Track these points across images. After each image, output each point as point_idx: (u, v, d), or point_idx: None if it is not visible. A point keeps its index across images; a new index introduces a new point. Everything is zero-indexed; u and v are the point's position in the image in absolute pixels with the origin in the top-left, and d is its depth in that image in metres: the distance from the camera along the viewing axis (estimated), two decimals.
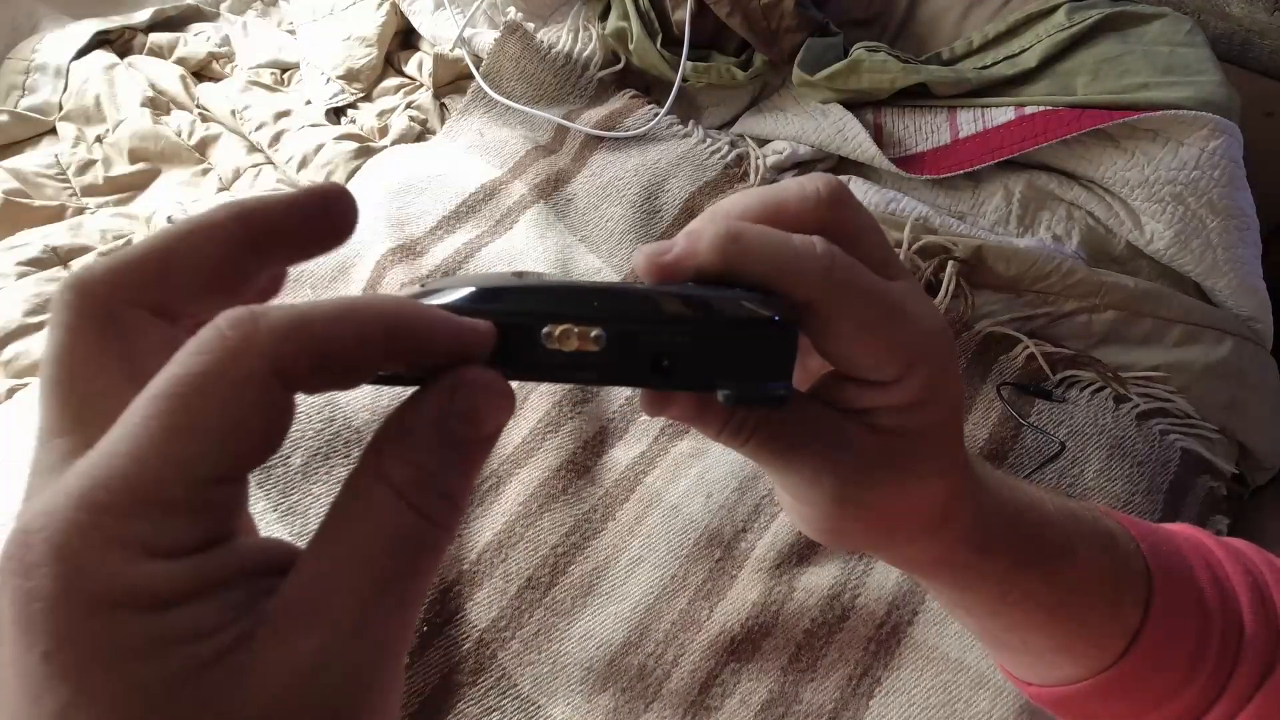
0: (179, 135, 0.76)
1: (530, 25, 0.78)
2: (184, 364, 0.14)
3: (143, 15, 0.85)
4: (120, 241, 0.66)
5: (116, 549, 0.13)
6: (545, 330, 0.19)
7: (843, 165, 0.75)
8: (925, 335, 0.23)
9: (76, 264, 0.64)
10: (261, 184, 0.74)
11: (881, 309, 0.22)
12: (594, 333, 0.19)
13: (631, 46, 0.76)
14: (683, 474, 0.55)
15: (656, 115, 0.73)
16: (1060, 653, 0.31)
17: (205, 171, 0.75)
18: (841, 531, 0.25)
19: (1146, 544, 0.31)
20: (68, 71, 0.79)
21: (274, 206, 0.17)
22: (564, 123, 0.74)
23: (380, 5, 0.83)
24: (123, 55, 0.82)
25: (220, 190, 0.74)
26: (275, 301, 0.18)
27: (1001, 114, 0.70)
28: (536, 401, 0.58)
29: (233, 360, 0.14)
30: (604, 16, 0.79)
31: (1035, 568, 0.29)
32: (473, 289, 0.18)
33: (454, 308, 0.18)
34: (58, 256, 0.65)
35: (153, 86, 0.79)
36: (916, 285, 0.24)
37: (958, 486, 0.26)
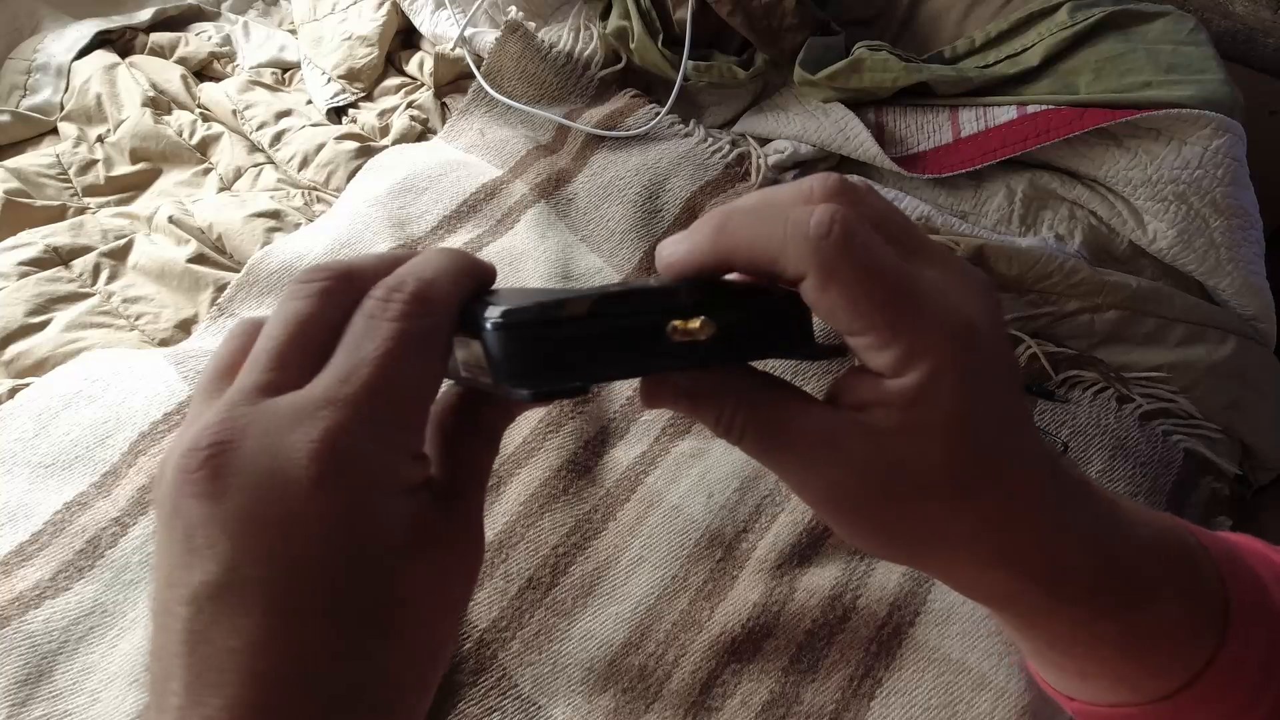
0: (180, 135, 0.76)
1: (531, 24, 0.78)
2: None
3: (144, 15, 0.85)
4: (122, 241, 0.66)
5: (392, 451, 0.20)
6: (671, 325, 0.21)
7: (844, 165, 0.75)
8: (940, 327, 0.21)
9: (78, 264, 0.64)
10: (262, 183, 0.74)
11: (881, 289, 0.21)
12: (700, 322, 0.21)
13: (633, 46, 0.76)
14: (684, 474, 0.55)
15: (658, 114, 0.73)
16: (1122, 684, 0.28)
17: (206, 171, 0.75)
18: (862, 538, 0.24)
19: (1226, 565, 0.28)
20: (69, 71, 0.79)
21: None
22: (565, 122, 0.74)
23: (381, 5, 0.83)
24: (124, 55, 0.82)
25: (221, 190, 0.74)
26: None
27: (1003, 113, 0.70)
28: None
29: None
30: (605, 16, 0.79)
31: (1111, 615, 0.26)
32: (592, 295, 0.21)
33: (577, 311, 0.20)
34: (59, 256, 0.65)
35: (154, 86, 0.79)
36: (960, 277, 0.23)
37: (996, 515, 0.23)
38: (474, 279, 0.22)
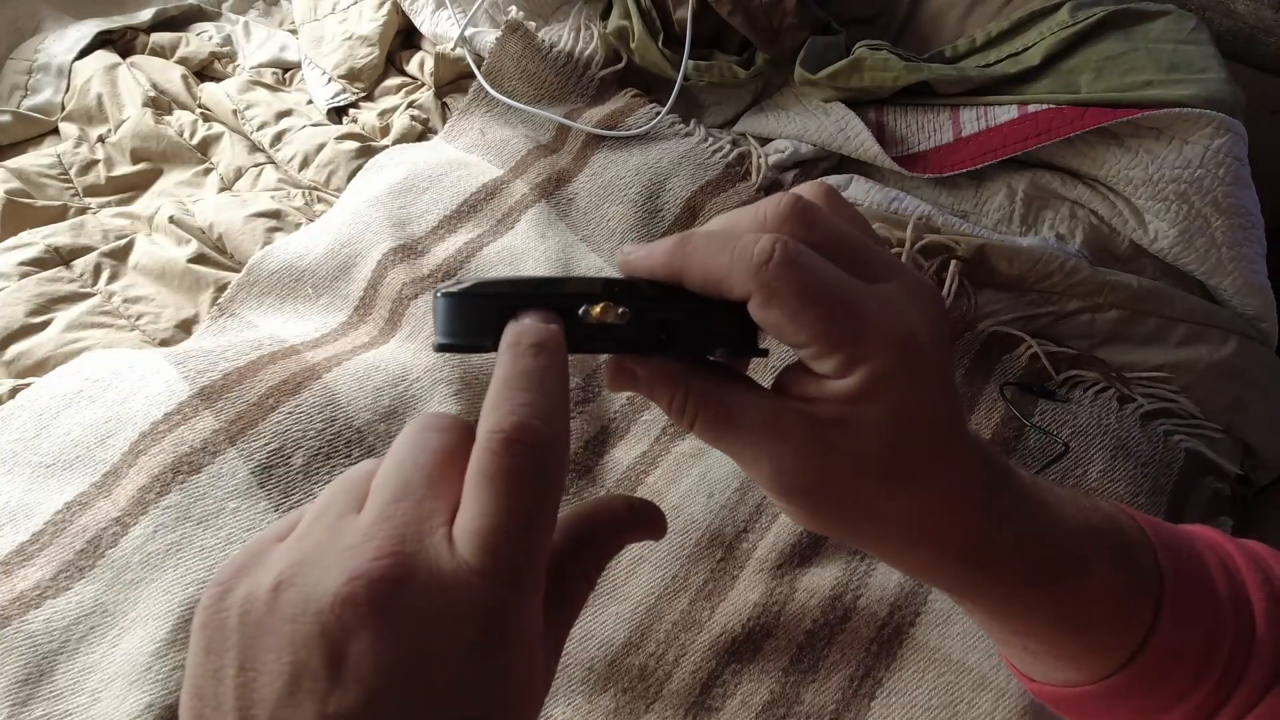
0: (181, 135, 0.76)
1: (531, 24, 0.78)
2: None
3: (145, 15, 0.85)
4: (122, 241, 0.67)
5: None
6: (583, 309, 0.24)
7: (845, 164, 0.75)
8: (880, 336, 0.23)
9: (78, 264, 0.64)
10: (263, 183, 0.74)
11: (821, 305, 0.23)
12: (620, 309, 0.24)
13: (633, 45, 0.76)
14: (684, 474, 0.55)
15: (658, 114, 0.73)
16: (1063, 659, 0.31)
17: (207, 171, 0.75)
18: (803, 518, 0.26)
19: (1164, 549, 0.30)
20: (70, 71, 0.79)
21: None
22: (565, 122, 0.74)
23: (381, 5, 0.83)
24: (125, 55, 0.82)
25: (222, 190, 0.74)
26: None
27: (1004, 112, 0.70)
28: None
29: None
30: (605, 15, 0.79)
31: (1043, 586, 0.28)
32: (526, 277, 0.24)
33: (509, 291, 0.24)
34: (60, 256, 0.65)
35: (155, 86, 0.79)
36: (906, 288, 0.25)
37: (929, 503, 0.25)
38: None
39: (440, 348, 0.24)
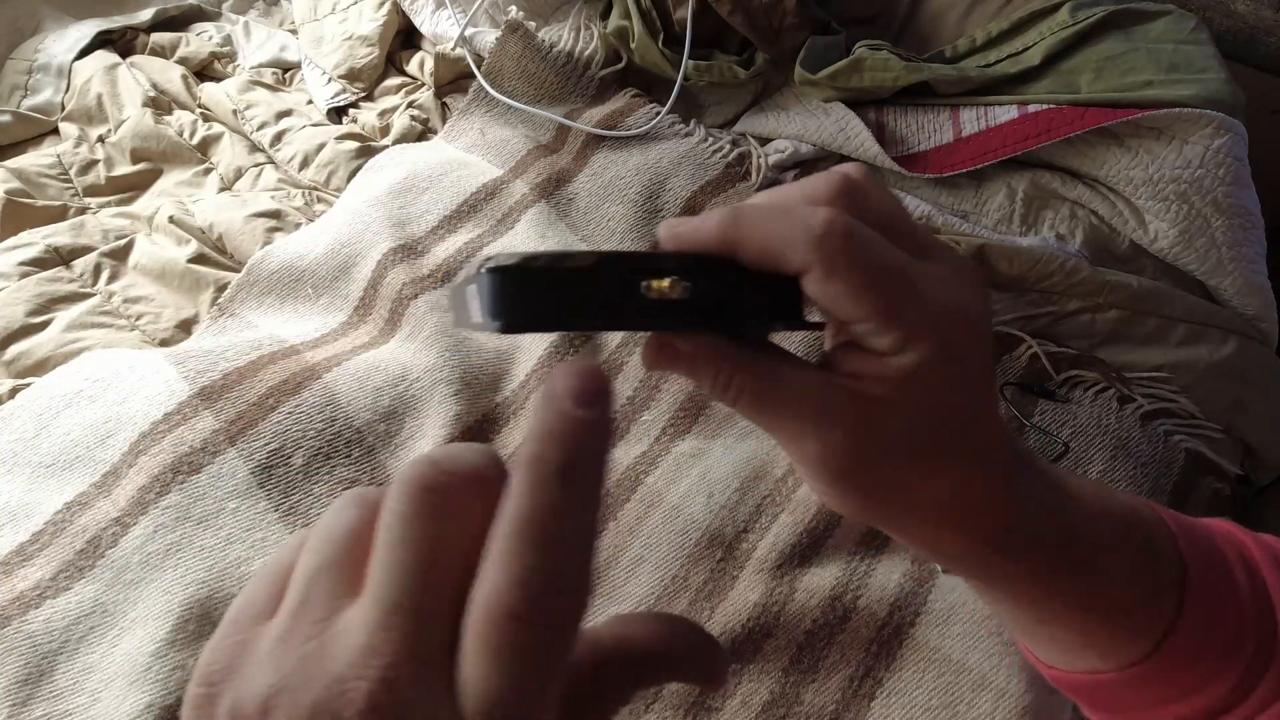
0: (181, 135, 0.76)
1: (531, 24, 0.78)
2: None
3: (145, 15, 0.85)
4: (122, 241, 0.66)
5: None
6: (645, 284, 0.22)
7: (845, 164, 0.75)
8: (937, 313, 0.23)
9: (78, 264, 0.64)
10: (263, 183, 0.74)
11: (882, 280, 0.23)
12: (684, 284, 0.23)
13: (633, 45, 0.76)
14: (684, 474, 0.55)
15: (658, 114, 0.73)
16: (1090, 647, 0.30)
17: (207, 171, 0.75)
18: (837, 497, 0.26)
19: (1184, 539, 0.30)
20: (70, 71, 0.79)
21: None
22: (565, 122, 0.74)
23: (381, 5, 0.83)
24: (125, 55, 0.82)
25: (221, 190, 0.74)
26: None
27: (1004, 112, 0.70)
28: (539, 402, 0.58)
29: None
30: (605, 15, 0.79)
31: (1068, 571, 0.28)
32: (583, 252, 0.22)
33: (568, 263, 0.22)
34: (60, 256, 0.65)
35: (155, 86, 0.79)
36: (955, 270, 0.25)
37: (966, 484, 0.25)
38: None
39: (503, 328, 0.22)
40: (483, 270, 0.22)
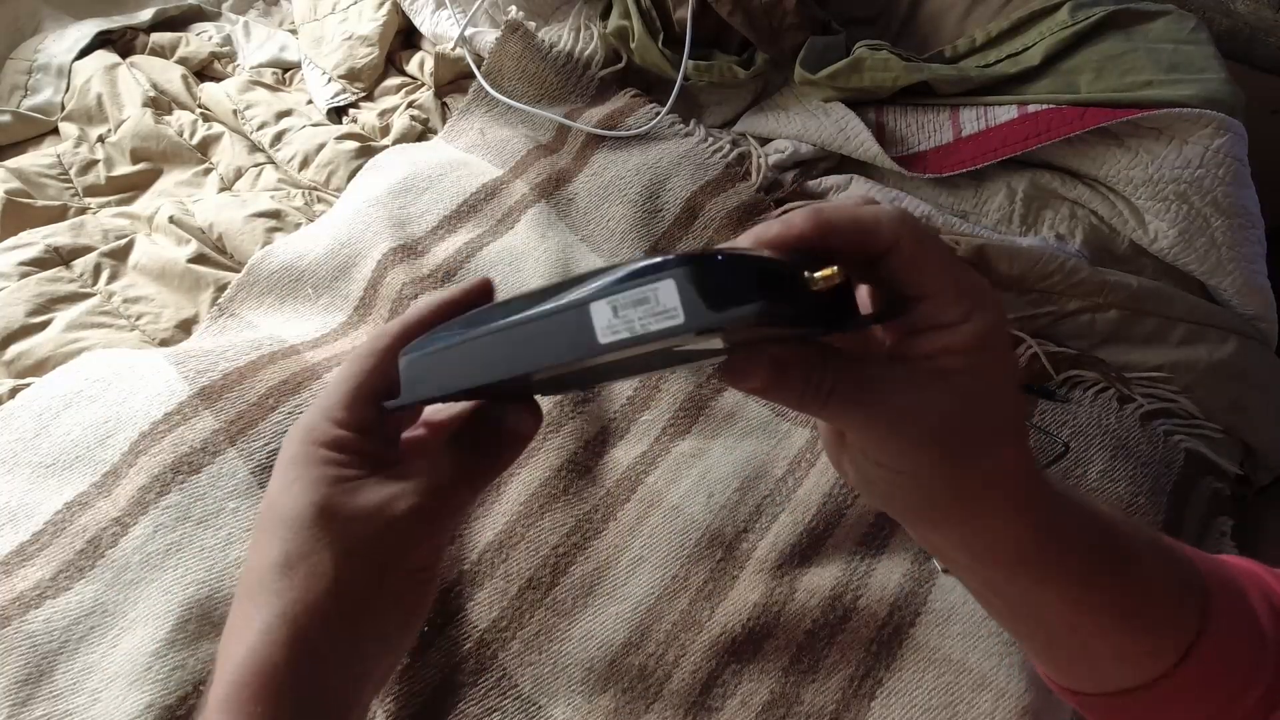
0: (181, 135, 0.76)
1: (531, 24, 0.78)
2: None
3: (145, 15, 0.85)
4: (122, 241, 0.66)
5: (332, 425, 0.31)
6: (807, 274, 0.23)
7: (845, 164, 0.75)
8: (986, 289, 0.26)
9: (78, 264, 0.64)
10: (263, 183, 0.74)
11: (950, 255, 0.26)
12: (837, 275, 0.23)
13: (633, 45, 0.76)
14: (684, 474, 0.55)
15: (658, 114, 0.73)
16: (1119, 660, 0.31)
17: (207, 171, 0.75)
18: (931, 489, 0.27)
19: (1199, 560, 0.31)
20: (70, 71, 0.79)
21: None
22: (565, 122, 0.74)
23: (381, 5, 0.83)
24: (125, 55, 0.82)
25: (221, 190, 0.74)
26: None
27: (1004, 112, 0.70)
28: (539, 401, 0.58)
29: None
30: (605, 15, 0.79)
31: (1107, 568, 0.29)
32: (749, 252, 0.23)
33: (753, 260, 0.22)
34: (60, 256, 0.65)
35: (154, 86, 0.79)
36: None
37: (1029, 461, 0.27)
38: (439, 306, 0.31)
39: (707, 329, 0.20)
40: (706, 258, 0.21)
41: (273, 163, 0.76)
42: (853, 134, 0.71)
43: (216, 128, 0.77)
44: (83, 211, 0.70)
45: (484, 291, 0.31)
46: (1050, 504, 0.28)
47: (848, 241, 0.25)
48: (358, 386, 0.31)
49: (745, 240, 0.26)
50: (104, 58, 0.80)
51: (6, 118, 0.76)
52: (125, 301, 0.63)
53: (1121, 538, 0.30)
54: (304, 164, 0.74)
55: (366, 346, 0.31)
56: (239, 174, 0.75)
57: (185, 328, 0.62)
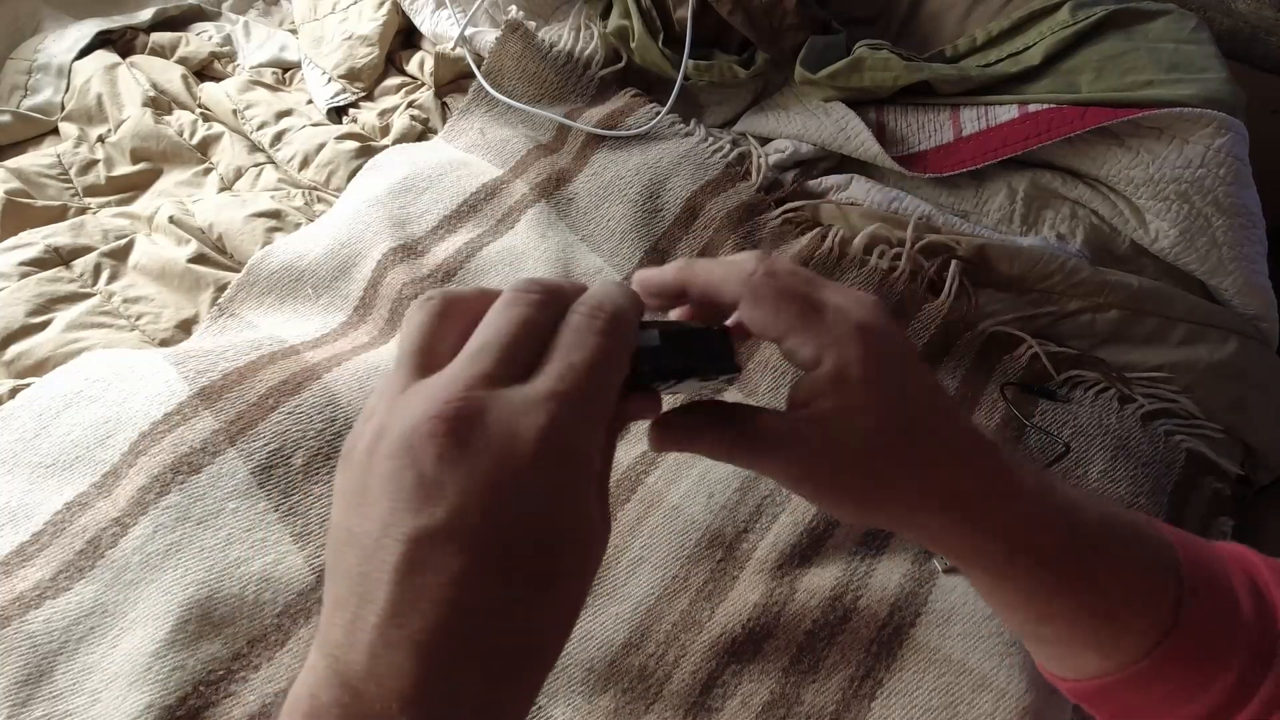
0: (181, 135, 0.76)
1: (531, 24, 0.78)
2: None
3: (145, 15, 0.85)
4: (122, 241, 0.66)
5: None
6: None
7: (845, 164, 0.75)
8: (843, 327, 0.28)
9: (78, 264, 0.64)
10: (263, 183, 0.74)
11: (793, 303, 0.28)
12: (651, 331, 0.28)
13: (633, 45, 0.76)
14: (684, 474, 0.55)
15: (658, 114, 0.73)
16: (1092, 648, 0.32)
17: (207, 171, 0.75)
18: (833, 507, 0.30)
19: (1185, 550, 0.32)
20: (70, 71, 0.79)
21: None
22: (565, 121, 0.74)
23: (381, 5, 0.83)
24: (125, 55, 0.82)
25: (221, 190, 0.74)
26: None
27: (1005, 112, 0.70)
28: None
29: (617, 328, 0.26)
30: (605, 15, 0.79)
31: (1067, 565, 0.30)
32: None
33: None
34: (60, 256, 0.65)
35: (154, 86, 0.79)
36: (856, 298, 0.30)
37: (935, 459, 0.29)
38: (641, 309, 0.29)
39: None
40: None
41: (273, 163, 0.75)
42: (853, 134, 0.71)
43: (216, 128, 0.77)
44: (83, 211, 0.70)
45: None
46: (1000, 508, 0.30)
47: (703, 295, 0.30)
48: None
49: (635, 283, 0.30)
50: (104, 58, 0.80)
51: (6, 118, 0.76)
52: (125, 301, 0.63)
53: (1090, 533, 0.31)
54: (304, 164, 0.74)
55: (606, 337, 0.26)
56: (239, 174, 0.75)
57: (185, 328, 0.62)
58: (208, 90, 0.80)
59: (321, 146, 0.74)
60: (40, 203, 0.69)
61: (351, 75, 0.80)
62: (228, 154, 0.75)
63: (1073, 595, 0.31)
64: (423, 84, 0.81)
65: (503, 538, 0.22)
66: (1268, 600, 0.31)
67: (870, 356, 0.28)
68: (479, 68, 0.77)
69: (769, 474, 0.30)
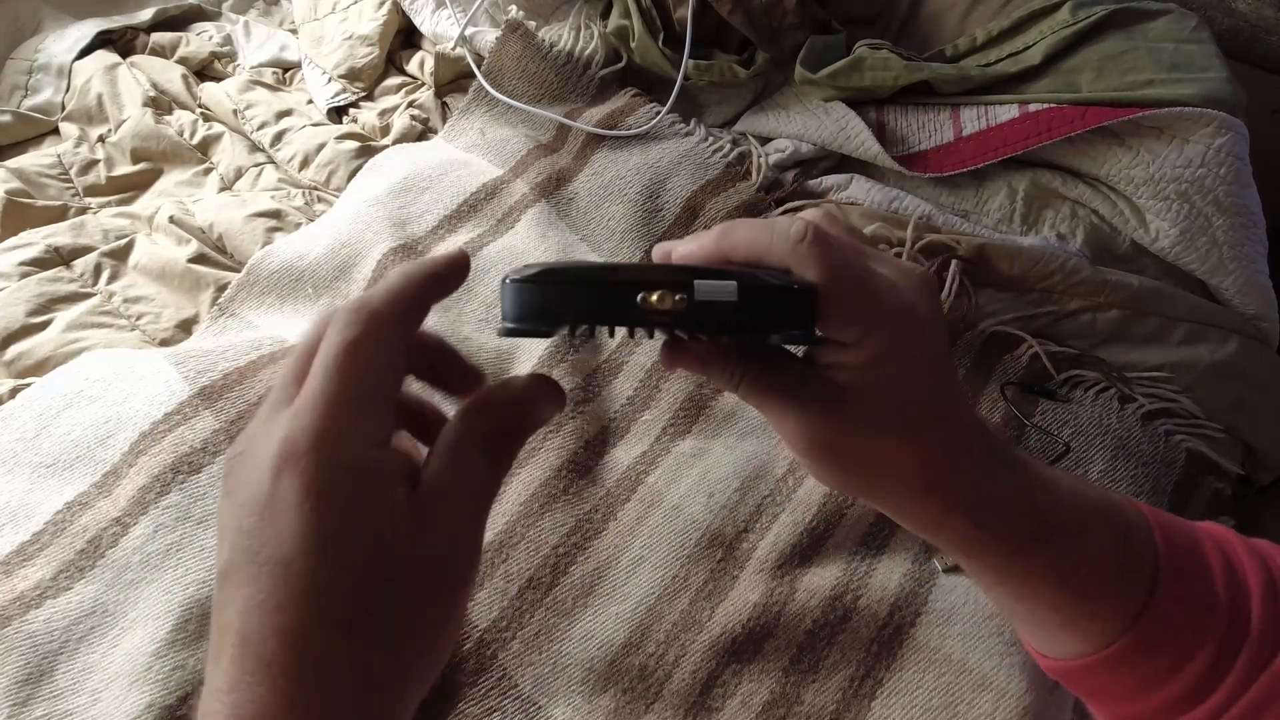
0: (181, 135, 0.76)
1: (532, 24, 0.78)
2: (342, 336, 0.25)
3: (145, 15, 0.85)
4: (123, 241, 0.67)
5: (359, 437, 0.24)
6: (640, 296, 0.25)
7: (845, 164, 0.75)
8: (889, 308, 0.27)
9: (79, 264, 0.64)
10: (263, 183, 0.74)
11: (846, 279, 0.27)
12: (678, 296, 0.25)
13: (633, 45, 0.76)
14: (684, 474, 0.55)
15: (658, 114, 0.73)
16: (1065, 628, 0.33)
17: (207, 171, 0.75)
18: (820, 470, 0.30)
19: (1161, 531, 0.32)
20: (70, 71, 0.79)
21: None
22: (566, 121, 0.74)
23: (381, 4, 0.83)
24: (125, 55, 0.82)
25: (222, 190, 0.74)
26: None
27: (1005, 112, 0.70)
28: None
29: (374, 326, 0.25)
30: (605, 14, 0.79)
31: (1041, 548, 0.31)
32: (583, 266, 0.26)
33: (566, 276, 0.26)
34: (60, 256, 0.65)
35: (155, 86, 0.79)
36: (907, 275, 0.29)
37: (930, 455, 0.29)
38: (424, 279, 0.27)
39: (507, 332, 0.26)
40: (505, 280, 0.26)
41: (273, 162, 0.75)
42: (853, 133, 0.71)
43: (217, 127, 0.77)
44: (83, 211, 0.70)
45: (464, 264, 0.29)
46: (974, 490, 0.30)
47: (747, 259, 0.28)
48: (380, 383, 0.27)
49: (657, 254, 0.30)
50: (104, 58, 0.80)
51: (7, 118, 0.76)
52: (125, 301, 0.63)
53: (1065, 515, 0.31)
54: (304, 164, 0.74)
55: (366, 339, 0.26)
56: (239, 174, 0.75)
57: (185, 328, 0.62)
58: (208, 90, 0.80)
59: (321, 146, 0.74)
60: (40, 203, 0.69)
61: (352, 75, 0.80)
62: (228, 154, 0.75)
63: (1049, 575, 0.31)
64: (423, 84, 0.81)
65: (267, 561, 0.23)
66: (1242, 580, 0.32)
67: (907, 350, 0.28)
68: (479, 68, 0.77)
69: (768, 415, 0.30)
